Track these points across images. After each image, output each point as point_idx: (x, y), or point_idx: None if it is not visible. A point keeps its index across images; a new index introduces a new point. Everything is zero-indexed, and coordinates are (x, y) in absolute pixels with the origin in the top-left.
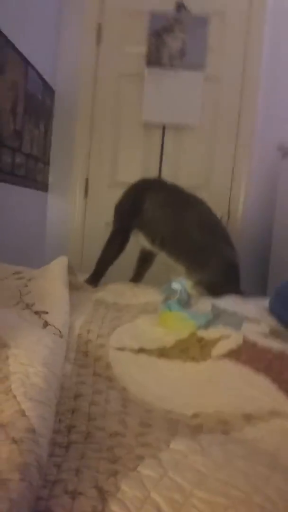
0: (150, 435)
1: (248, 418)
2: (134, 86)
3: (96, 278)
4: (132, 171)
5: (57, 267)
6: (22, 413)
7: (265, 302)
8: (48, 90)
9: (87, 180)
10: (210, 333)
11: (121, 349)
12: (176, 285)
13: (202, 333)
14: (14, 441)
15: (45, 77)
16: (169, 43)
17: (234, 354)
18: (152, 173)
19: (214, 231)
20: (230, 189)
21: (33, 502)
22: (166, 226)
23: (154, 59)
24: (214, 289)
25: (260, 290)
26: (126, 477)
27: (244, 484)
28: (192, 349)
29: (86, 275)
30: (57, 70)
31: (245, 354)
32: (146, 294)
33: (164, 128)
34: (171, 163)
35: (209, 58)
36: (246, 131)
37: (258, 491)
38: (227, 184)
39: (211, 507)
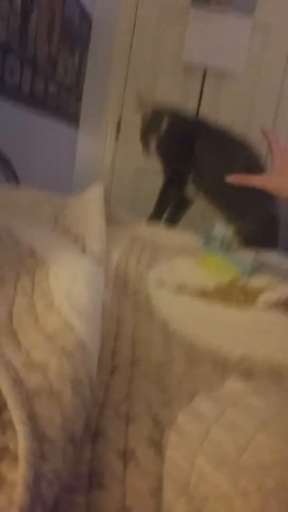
0: (199, 372)
1: None
2: (176, 25)
3: None
4: None
5: (94, 195)
6: (70, 328)
7: None
8: (86, 18)
9: (119, 122)
10: (253, 282)
11: (160, 285)
12: (218, 229)
13: (245, 282)
14: (64, 353)
15: (84, 3)
16: None
17: (282, 306)
18: None
19: None
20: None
21: (86, 420)
22: (212, 172)
23: None
24: (250, 240)
25: None
26: (182, 409)
27: None
28: (234, 296)
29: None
30: None
31: None
32: (182, 236)
33: (205, 73)
34: (209, 111)
35: (260, 2)
36: None
37: None
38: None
39: (276, 453)
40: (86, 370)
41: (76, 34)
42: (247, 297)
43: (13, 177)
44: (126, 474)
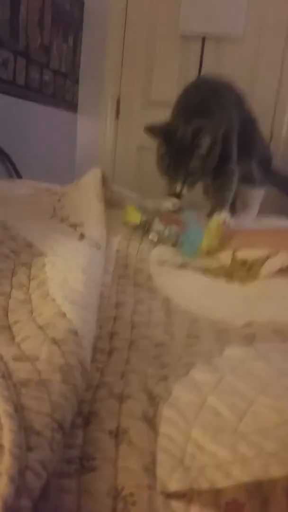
0: (199, 345)
1: None
2: None
3: None
4: (168, 90)
5: (91, 180)
6: (63, 315)
7: None
8: (77, 1)
9: (118, 100)
10: (252, 254)
11: (162, 263)
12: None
13: (243, 255)
14: (55, 341)
15: None
16: None
17: (286, 273)
18: None
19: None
20: (274, 108)
21: (77, 405)
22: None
23: None
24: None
25: None
26: (178, 381)
27: None
28: (237, 273)
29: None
30: None
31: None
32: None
33: (203, 40)
34: None
35: None
36: None
37: None
38: (271, 103)
39: (278, 413)
40: (78, 356)
41: (68, 18)
42: (250, 271)
43: (14, 171)
44: (118, 454)
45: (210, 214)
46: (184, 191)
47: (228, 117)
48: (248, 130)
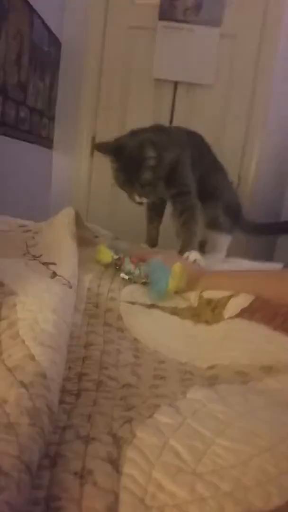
0: (164, 387)
1: (268, 370)
2: (145, 40)
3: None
4: None
5: (64, 219)
6: (32, 358)
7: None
8: (55, 42)
9: (93, 138)
10: (217, 293)
11: (132, 303)
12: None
13: (208, 295)
14: (23, 385)
15: (52, 27)
16: None
17: (247, 313)
18: None
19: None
20: (242, 152)
21: (44, 448)
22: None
23: (167, 12)
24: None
25: (265, 257)
26: (142, 424)
27: (268, 433)
28: (203, 314)
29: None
30: (64, 20)
31: (259, 311)
32: (157, 254)
33: (176, 84)
34: (182, 122)
35: (226, 13)
36: (262, 92)
37: (284, 440)
38: (239, 147)
39: (236, 455)
40: (45, 400)
41: (45, 58)
42: (215, 312)
43: None
44: (83, 495)
45: (180, 252)
46: (144, 200)
47: (182, 147)
48: (212, 177)
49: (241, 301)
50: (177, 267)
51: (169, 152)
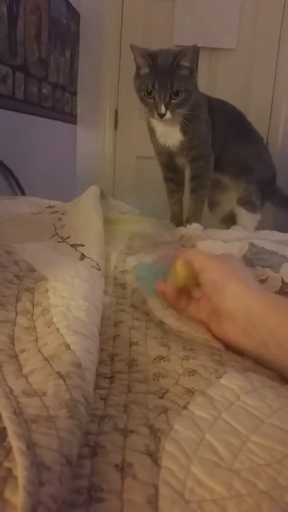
0: (196, 359)
1: None
2: (164, 7)
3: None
4: None
5: (90, 198)
6: (67, 346)
7: None
8: (73, 14)
9: (116, 111)
10: None
11: None
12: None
13: None
14: (60, 375)
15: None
16: None
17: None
18: None
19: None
20: (269, 117)
21: (82, 439)
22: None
23: None
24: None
25: None
26: (178, 416)
27: None
28: None
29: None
30: None
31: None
32: (181, 230)
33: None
34: (206, 88)
35: None
36: (287, 55)
37: None
38: (266, 112)
39: (270, 454)
40: (82, 391)
41: (65, 32)
42: None
43: (17, 186)
44: (123, 487)
45: (186, 222)
46: (168, 115)
47: (212, 110)
48: (243, 149)
49: (269, 286)
50: (178, 265)
51: (203, 107)
